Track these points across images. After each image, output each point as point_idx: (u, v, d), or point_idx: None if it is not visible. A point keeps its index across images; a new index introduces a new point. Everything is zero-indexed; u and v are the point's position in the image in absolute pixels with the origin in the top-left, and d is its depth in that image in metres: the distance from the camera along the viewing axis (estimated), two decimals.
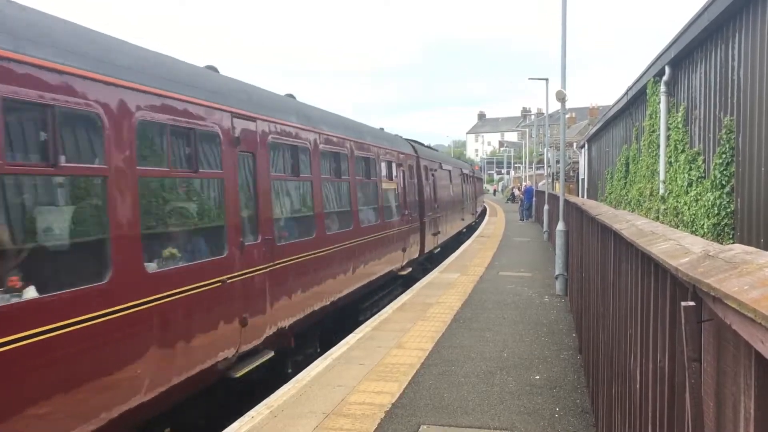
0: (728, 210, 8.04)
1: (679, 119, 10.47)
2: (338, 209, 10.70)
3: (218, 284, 6.27)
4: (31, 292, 4.15)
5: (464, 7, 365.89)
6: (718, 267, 1.89)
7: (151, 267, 5.40)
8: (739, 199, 7.75)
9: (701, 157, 9.29)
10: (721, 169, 8.16)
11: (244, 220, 6.98)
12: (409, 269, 15.51)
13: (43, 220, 4.50)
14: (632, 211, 11.86)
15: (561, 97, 13.45)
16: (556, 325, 9.89)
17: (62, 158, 4.43)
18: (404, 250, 14.80)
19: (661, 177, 11.19)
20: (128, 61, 5.45)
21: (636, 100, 14.49)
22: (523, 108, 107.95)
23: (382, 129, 16.95)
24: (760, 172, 7.04)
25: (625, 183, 15.61)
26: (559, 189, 14.62)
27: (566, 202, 12.61)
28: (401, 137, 17.99)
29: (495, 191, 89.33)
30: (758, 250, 2.00)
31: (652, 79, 12.20)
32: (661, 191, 11.10)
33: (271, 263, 7.51)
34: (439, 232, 19.94)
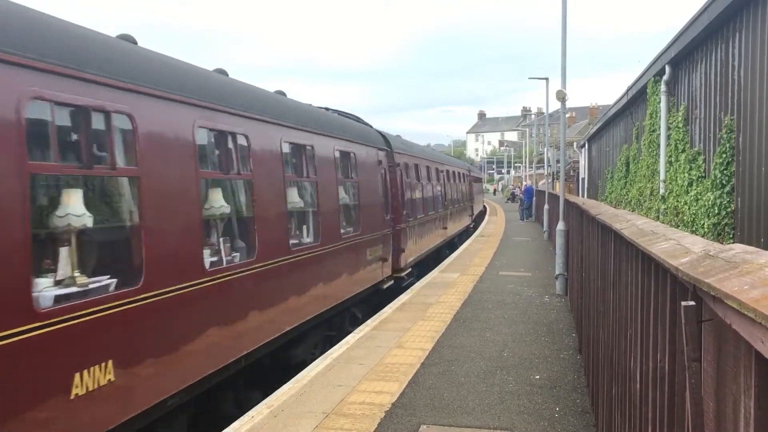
0: (728, 210, 8.03)
1: (680, 119, 10.46)
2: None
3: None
4: None
5: (464, 3, 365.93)
6: (718, 267, 1.89)
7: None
8: (739, 199, 7.75)
9: (701, 157, 9.28)
10: (722, 168, 8.15)
11: None
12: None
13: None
14: (632, 211, 11.86)
15: (561, 97, 13.45)
16: (556, 324, 9.88)
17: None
18: (364, 270, 11.43)
19: (662, 176, 11.18)
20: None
21: (636, 99, 14.48)
22: (524, 107, 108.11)
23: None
24: (760, 171, 7.04)
25: (626, 182, 15.60)
26: (559, 188, 14.62)
27: (566, 201, 12.61)
28: (371, 127, 13.82)
29: (495, 191, 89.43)
30: (758, 249, 2.00)
31: (653, 79, 12.19)
32: (662, 191, 11.09)
33: None
34: (416, 244, 16.12)
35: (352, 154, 11.19)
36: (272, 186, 7.71)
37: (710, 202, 8.39)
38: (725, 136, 8.11)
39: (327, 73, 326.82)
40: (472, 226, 31.51)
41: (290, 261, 8.03)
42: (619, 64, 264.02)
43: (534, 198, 35.37)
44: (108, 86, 4.88)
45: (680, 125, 10.42)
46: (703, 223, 8.56)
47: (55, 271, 4.59)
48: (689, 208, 9.26)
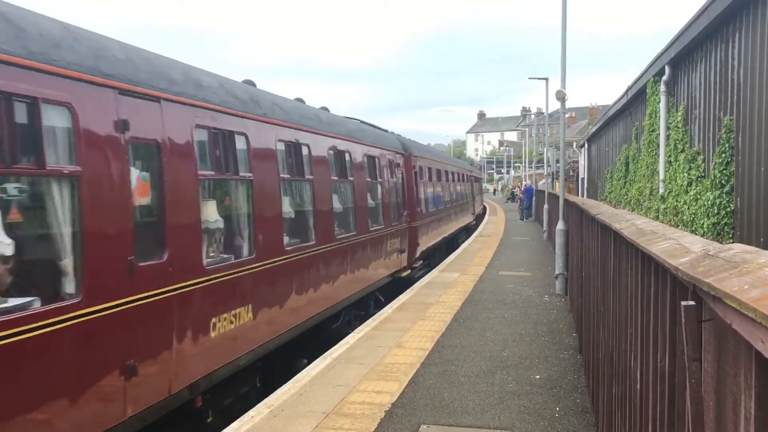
0: (728, 209, 8.03)
1: (679, 119, 10.46)
2: None
3: None
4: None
5: (464, 3, 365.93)
6: (718, 266, 1.89)
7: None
8: (738, 199, 7.75)
9: (701, 157, 9.28)
10: (721, 168, 8.15)
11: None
12: None
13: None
14: (632, 211, 11.86)
15: (561, 97, 13.45)
16: (556, 324, 9.89)
17: None
18: None
19: (661, 176, 11.18)
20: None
21: (636, 99, 14.48)
22: (523, 107, 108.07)
23: None
24: (759, 171, 7.04)
25: (625, 182, 15.60)
26: (558, 188, 14.62)
27: (566, 201, 12.61)
28: None
29: (495, 191, 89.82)
30: (758, 249, 2.00)
31: (652, 79, 12.19)
32: (661, 191, 11.09)
33: None
34: None
35: None
36: None
37: (710, 202, 8.39)
38: (724, 136, 8.11)
39: (327, 73, 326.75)
40: (418, 267, 16.83)
41: None
42: (619, 64, 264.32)
43: (534, 198, 35.37)
44: None
45: (680, 125, 10.42)
46: (703, 223, 8.56)
47: None
48: (689, 208, 9.26)
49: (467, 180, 31.16)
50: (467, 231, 28.90)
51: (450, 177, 24.00)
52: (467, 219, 29.37)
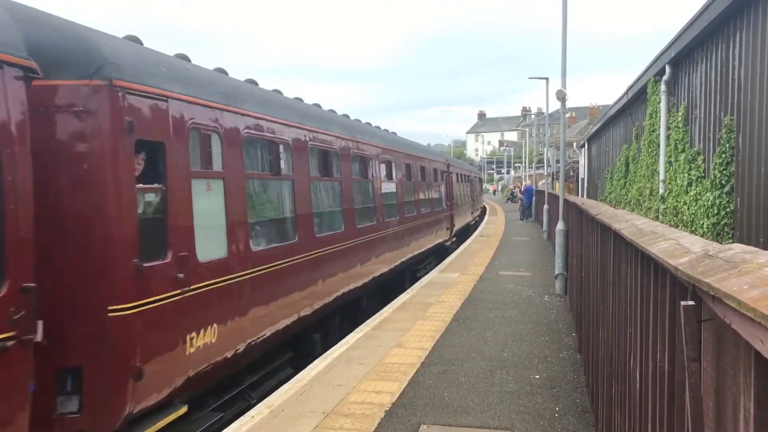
0: (728, 210, 8.03)
1: (680, 119, 10.46)
2: None
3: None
4: None
5: (464, 3, 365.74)
6: (717, 266, 1.89)
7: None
8: (738, 199, 7.75)
9: (701, 157, 9.28)
10: (721, 168, 8.15)
11: None
12: None
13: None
14: (632, 211, 11.86)
15: (561, 97, 13.45)
16: (555, 324, 9.89)
17: None
18: None
19: (661, 176, 11.18)
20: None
21: (636, 99, 14.48)
22: (523, 107, 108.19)
23: None
24: (759, 171, 7.04)
25: (625, 182, 15.60)
26: (559, 188, 14.63)
27: (566, 201, 12.61)
28: None
29: (495, 191, 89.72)
30: (758, 249, 2.00)
31: (653, 79, 12.18)
32: (661, 191, 11.09)
33: None
34: None
35: None
36: None
37: (709, 202, 8.39)
38: (725, 136, 8.11)
39: (327, 73, 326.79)
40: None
41: None
42: (619, 64, 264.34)
43: (534, 198, 35.37)
44: None
45: (680, 125, 10.42)
46: (703, 223, 8.56)
47: None
48: (688, 208, 9.26)
49: (438, 178, 20.65)
50: (438, 254, 19.87)
51: (383, 171, 13.65)
52: (433, 240, 19.01)
